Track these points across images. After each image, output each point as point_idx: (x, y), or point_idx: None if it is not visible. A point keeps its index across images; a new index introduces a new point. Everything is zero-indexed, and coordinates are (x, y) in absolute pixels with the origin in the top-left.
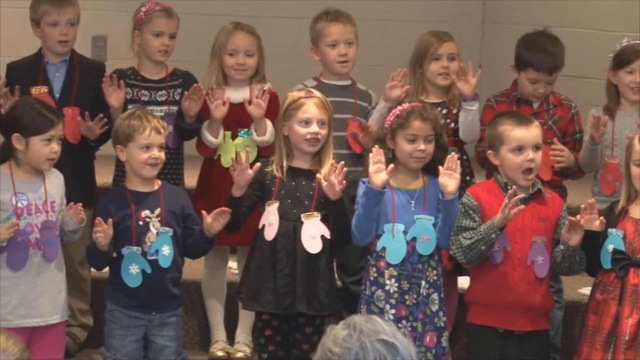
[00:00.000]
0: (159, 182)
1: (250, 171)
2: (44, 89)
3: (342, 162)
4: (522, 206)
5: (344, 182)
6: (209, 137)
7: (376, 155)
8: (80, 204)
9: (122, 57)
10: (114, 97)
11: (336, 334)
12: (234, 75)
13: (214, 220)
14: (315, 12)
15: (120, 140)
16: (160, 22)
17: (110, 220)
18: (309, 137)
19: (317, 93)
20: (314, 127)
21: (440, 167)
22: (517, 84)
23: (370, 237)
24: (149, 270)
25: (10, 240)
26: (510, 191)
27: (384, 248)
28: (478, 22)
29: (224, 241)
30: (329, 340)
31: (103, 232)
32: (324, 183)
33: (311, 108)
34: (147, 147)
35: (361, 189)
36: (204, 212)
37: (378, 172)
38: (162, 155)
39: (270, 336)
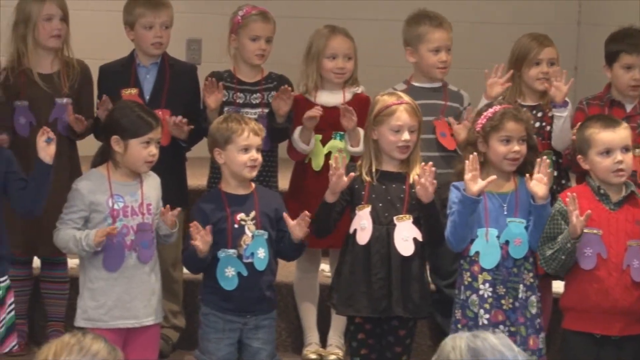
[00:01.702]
0: (253, 185)
1: (345, 178)
2: (134, 91)
3: (431, 163)
4: (589, 211)
5: (435, 182)
6: (301, 145)
7: (472, 163)
8: (178, 210)
9: (216, 60)
10: (212, 98)
11: None
12: (332, 79)
13: (296, 225)
14: (406, 14)
15: (218, 143)
16: (257, 26)
17: (209, 227)
18: (400, 144)
19: (407, 98)
20: (406, 135)
21: (527, 175)
22: (610, 87)
23: (465, 243)
24: (245, 273)
25: (107, 242)
26: (569, 199)
27: (477, 252)
28: (574, 23)
29: (315, 244)
30: None
31: (201, 239)
32: (418, 186)
33: (403, 115)
34: (246, 149)
35: (453, 194)
36: (285, 214)
37: (474, 179)
38: (260, 157)
39: (363, 339)
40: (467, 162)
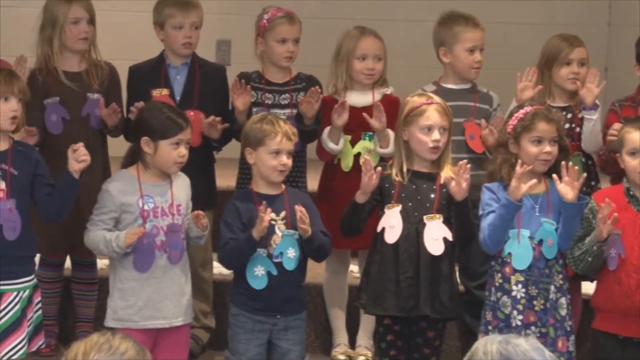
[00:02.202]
0: (283, 186)
1: (375, 177)
2: (165, 91)
3: (465, 161)
4: (616, 214)
5: (469, 179)
6: (330, 145)
7: (521, 170)
8: (201, 212)
9: (246, 60)
10: (240, 100)
11: None
12: (362, 80)
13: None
14: (435, 15)
15: (251, 143)
16: (284, 28)
17: (269, 209)
18: (431, 145)
19: (437, 99)
20: (436, 135)
21: (554, 175)
22: None
23: (501, 246)
24: (274, 272)
25: (137, 243)
26: (603, 204)
27: (509, 254)
28: (604, 24)
29: (345, 245)
30: None
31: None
32: (452, 183)
33: (433, 115)
34: (277, 153)
35: (486, 195)
36: (296, 207)
37: (520, 185)
38: (290, 162)
39: (392, 341)
40: (517, 168)
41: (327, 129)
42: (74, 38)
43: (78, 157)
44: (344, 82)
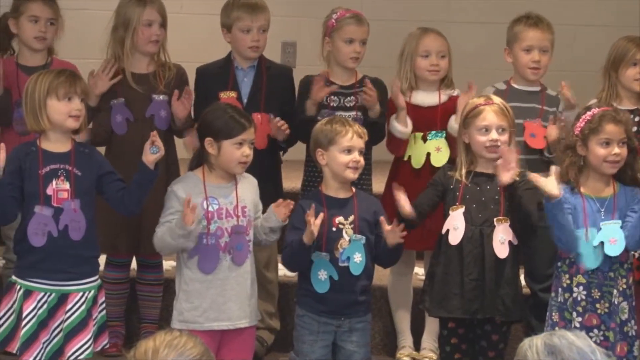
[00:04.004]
0: (354, 189)
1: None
2: (233, 94)
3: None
4: None
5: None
6: (399, 127)
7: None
8: (292, 202)
9: (311, 62)
10: (322, 94)
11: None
12: (427, 77)
13: (390, 231)
14: (505, 17)
15: (321, 144)
16: (351, 29)
17: (321, 214)
18: (488, 144)
19: (496, 99)
20: (493, 135)
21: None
22: None
23: (575, 244)
24: (336, 277)
25: (201, 244)
26: None
27: (578, 253)
28: None
29: (410, 246)
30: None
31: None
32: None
33: (489, 115)
34: (349, 150)
35: None
36: (382, 218)
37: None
38: (362, 160)
39: (456, 344)
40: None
41: (393, 115)
42: (145, 40)
43: (150, 147)
44: (409, 82)
